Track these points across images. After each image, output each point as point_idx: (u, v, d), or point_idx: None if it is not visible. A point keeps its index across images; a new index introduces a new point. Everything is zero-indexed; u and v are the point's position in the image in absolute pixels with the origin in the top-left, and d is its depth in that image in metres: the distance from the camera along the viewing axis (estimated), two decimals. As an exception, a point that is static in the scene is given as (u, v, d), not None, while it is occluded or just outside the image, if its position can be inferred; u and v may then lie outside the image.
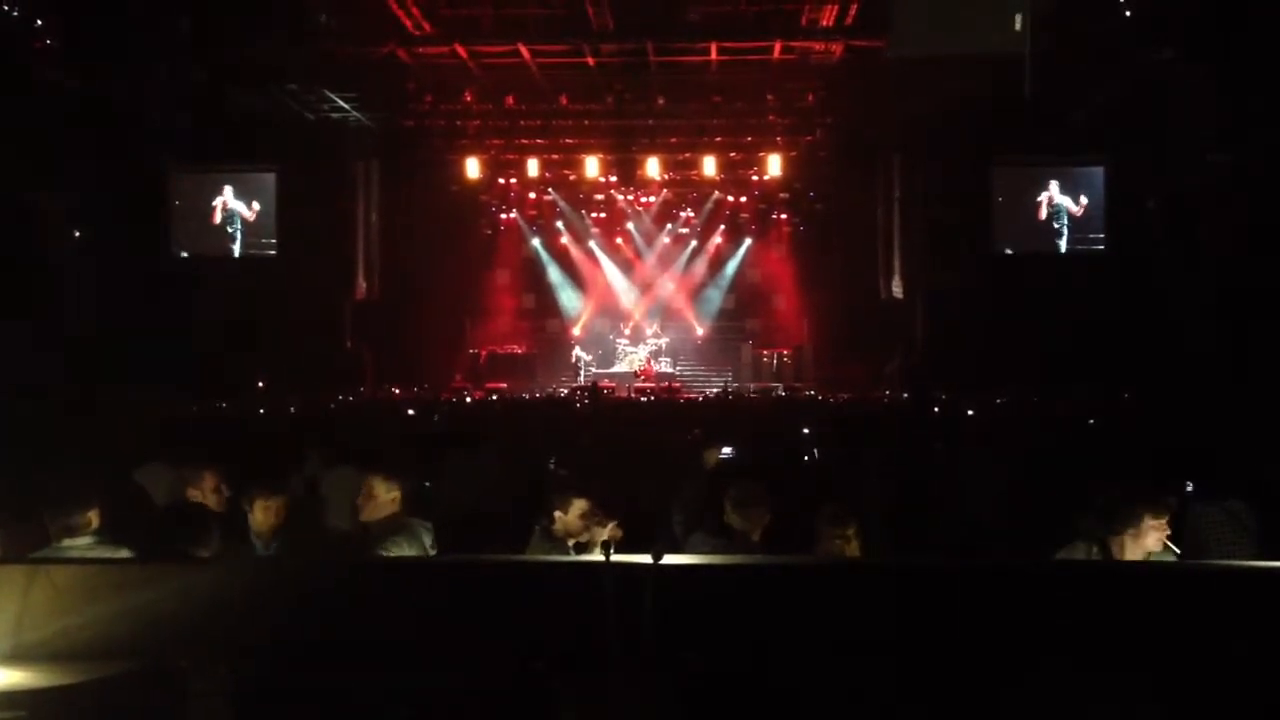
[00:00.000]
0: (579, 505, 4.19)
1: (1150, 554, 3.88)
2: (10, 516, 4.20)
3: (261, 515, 4.54)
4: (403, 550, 4.21)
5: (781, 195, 23.09)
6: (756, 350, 23.10)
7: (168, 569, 3.07)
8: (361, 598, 2.79)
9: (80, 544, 3.97)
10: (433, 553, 4.36)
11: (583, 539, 4.15)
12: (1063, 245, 18.00)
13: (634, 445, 7.67)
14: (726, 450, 6.12)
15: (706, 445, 6.14)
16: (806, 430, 9.08)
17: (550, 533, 4.20)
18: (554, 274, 24.65)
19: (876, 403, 16.00)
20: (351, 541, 4.35)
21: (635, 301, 24.56)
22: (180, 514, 4.28)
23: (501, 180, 22.60)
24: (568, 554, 4.04)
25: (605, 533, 4.14)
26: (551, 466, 6.73)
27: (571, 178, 22.23)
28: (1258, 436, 6.72)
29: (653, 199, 23.81)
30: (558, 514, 4.19)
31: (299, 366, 16.50)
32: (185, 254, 18.18)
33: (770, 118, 18.78)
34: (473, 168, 20.56)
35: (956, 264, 17.30)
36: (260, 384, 16.46)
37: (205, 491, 4.88)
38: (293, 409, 12.52)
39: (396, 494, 4.43)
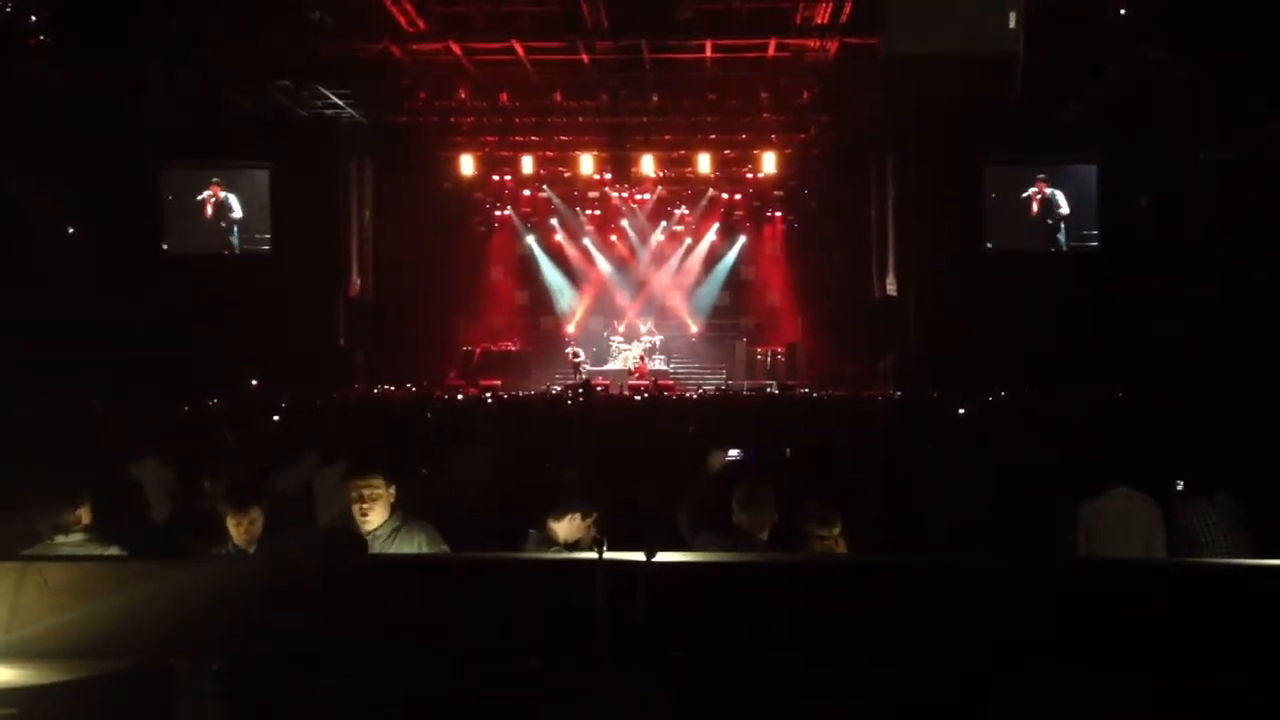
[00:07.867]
0: (576, 518, 4.20)
1: None
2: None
3: (234, 529, 4.32)
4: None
5: (776, 193, 23.11)
6: (750, 348, 23.16)
7: (159, 567, 3.06)
8: (352, 596, 2.79)
9: (71, 540, 3.98)
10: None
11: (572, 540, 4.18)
12: (1055, 243, 18.05)
13: (626, 442, 7.65)
14: (733, 452, 6.05)
15: (711, 448, 6.05)
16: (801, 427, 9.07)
17: (546, 538, 4.20)
18: (548, 271, 24.64)
19: (869, 400, 16.00)
20: (343, 539, 4.31)
21: (629, 299, 24.56)
22: (195, 521, 4.23)
23: (496, 177, 22.57)
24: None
25: (584, 528, 4.16)
26: (547, 466, 6.69)
27: (566, 175, 22.21)
28: (1250, 434, 6.73)
29: (647, 196, 23.83)
30: (552, 523, 4.19)
31: (292, 364, 16.46)
32: (177, 251, 18.13)
33: (765, 115, 18.76)
34: (467, 165, 20.54)
35: (950, 262, 17.34)
36: (253, 382, 16.41)
37: (214, 494, 4.84)
38: (284, 406, 12.48)
39: (392, 491, 4.34)
